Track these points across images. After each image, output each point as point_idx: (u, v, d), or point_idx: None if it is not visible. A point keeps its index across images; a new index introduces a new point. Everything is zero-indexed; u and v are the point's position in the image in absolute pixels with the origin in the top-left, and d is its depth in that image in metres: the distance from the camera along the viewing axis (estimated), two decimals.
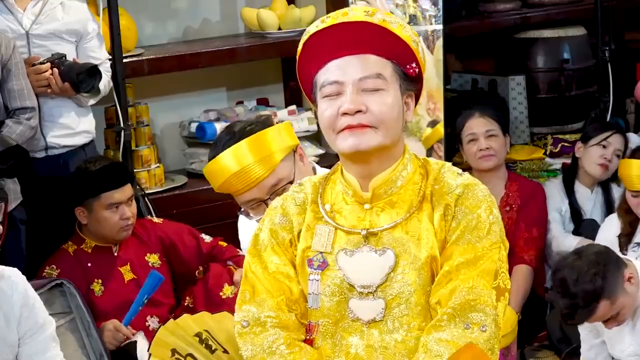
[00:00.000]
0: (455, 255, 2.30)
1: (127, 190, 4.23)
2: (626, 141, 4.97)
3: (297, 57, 2.37)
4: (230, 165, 2.99)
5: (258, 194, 3.00)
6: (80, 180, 4.21)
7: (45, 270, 4.19)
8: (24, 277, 3.32)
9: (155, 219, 4.45)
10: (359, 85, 2.28)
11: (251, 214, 3.04)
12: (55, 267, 4.20)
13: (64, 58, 4.23)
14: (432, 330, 2.28)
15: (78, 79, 4.18)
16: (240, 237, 3.45)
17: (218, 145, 3.07)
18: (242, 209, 3.07)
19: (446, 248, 2.32)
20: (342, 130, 2.28)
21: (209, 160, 3.08)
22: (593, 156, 4.92)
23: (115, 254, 4.28)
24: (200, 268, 4.37)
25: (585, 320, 3.68)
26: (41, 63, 4.19)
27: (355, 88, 2.28)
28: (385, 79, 2.30)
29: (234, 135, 3.03)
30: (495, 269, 2.30)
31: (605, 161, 4.89)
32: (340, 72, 2.29)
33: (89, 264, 4.24)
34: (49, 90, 4.23)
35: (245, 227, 3.32)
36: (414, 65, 2.33)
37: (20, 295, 3.27)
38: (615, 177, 4.84)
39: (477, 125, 4.81)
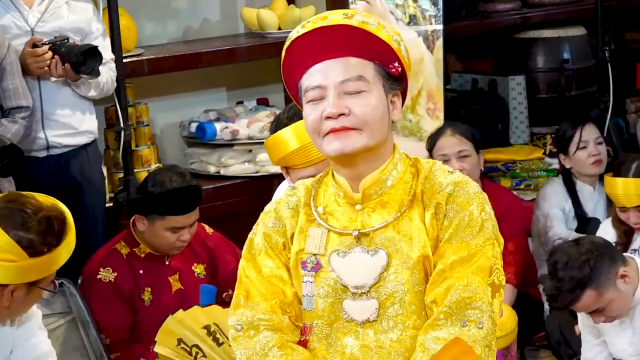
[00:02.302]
0: (449, 253, 2.31)
1: (193, 216, 4.12)
2: (598, 124, 4.98)
3: (282, 63, 2.38)
4: (290, 142, 3.03)
5: (322, 169, 2.98)
6: (149, 195, 4.09)
7: (101, 273, 4.10)
8: None
9: (207, 229, 4.37)
10: (341, 88, 2.29)
11: None
12: (110, 270, 4.11)
13: (66, 40, 4.20)
14: (429, 329, 2.29)
15: (77, 59, 4.15)
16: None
17: (281, 119, 3.10)
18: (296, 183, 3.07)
19: (439, 247, 2.32)
20: (327, 134, 2.29)
21: (272, 133, 3.12)
22: (581, 160, 4.92)
23: (167, 263, 4.22)
24: (230, 292, 4.30)
25: (568, 305, 3.69)
26: (43, 44, 4.17)
27: (337, 91, 2.29)
28: (367, 81, 2.30)
29: (297, 111, 3.04)
30: (489, 265, 2.31)
31: (595, 157, 4.90)
32: (322, 76, 2.30)
33: (141, 271, 4.15)
34: (46, 69, 4.18)
35: (281, 192, 3.27)
36: (396, 64, 2.33)
37: None
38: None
39: (449, 146, 4.60)
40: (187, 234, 4.13)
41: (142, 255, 4.18)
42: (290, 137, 3.05)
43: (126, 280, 4.11)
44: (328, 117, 2.28)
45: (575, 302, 3.64)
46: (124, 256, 4.16)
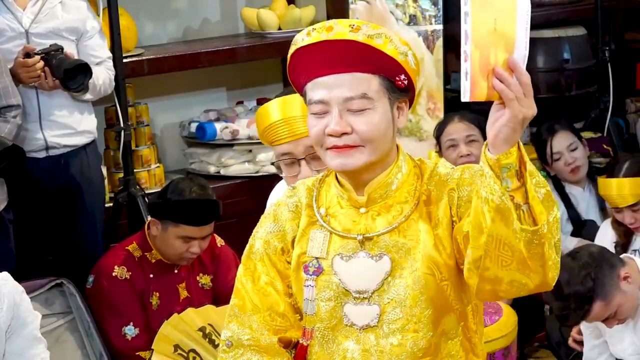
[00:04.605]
0: None
1: (206, 229, 4.14)
2: (571, 127, 4.96)
3: (287, 65, 2.36)
4: (274, 113, 2.97)
5: (294, 149, 2.93)
6: (167, 201, 4.12)
7: (116, 270, 4.13)
8: (13, 282, 3.21)
9: (219, 240, 4.37)
10: (344, 105, 2.26)
11: (283, 170, 3.00)
12: (125, 269, 4.14)
13: (59, 51, 4.19)
14: None
15: (66, 75, 4.13)
16: (268, 202, 3.39)
17: (279, 94, 3.06)
18: (276, 162, 3.02)
19: (464, 218, 2.24)
20: (330, 148, 2.27)
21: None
22: (560, 169, 4.95)
23: (176, 271, 4.24)
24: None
25: (579, 321, 3.68)
26: (35, 54, 4.16)
27: (340, 109, 2.26)
28: (371, 98, 2.26)
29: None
30: None
31: (572, 166, 4.92)
32: (325, 91, 2.27)
33: (151, 275, 4.19)
34: (37, 84, 4.18)
35: (276, 193, 3.24)
36: (402, 77, 2.30)
37: (10, 306, 3.15)
38: (600, 172, 4.84)
39: (457, 130, 4.63)
40: (197, 247, 4.14)
41: (153, 261, 4.20)
42: (276, 108, 2.95)
43: (139, 281, 4.15)
44: (330, 135, 2.27)
45: (586, 317, 3.64)
46: (136, 259, 4.19)
